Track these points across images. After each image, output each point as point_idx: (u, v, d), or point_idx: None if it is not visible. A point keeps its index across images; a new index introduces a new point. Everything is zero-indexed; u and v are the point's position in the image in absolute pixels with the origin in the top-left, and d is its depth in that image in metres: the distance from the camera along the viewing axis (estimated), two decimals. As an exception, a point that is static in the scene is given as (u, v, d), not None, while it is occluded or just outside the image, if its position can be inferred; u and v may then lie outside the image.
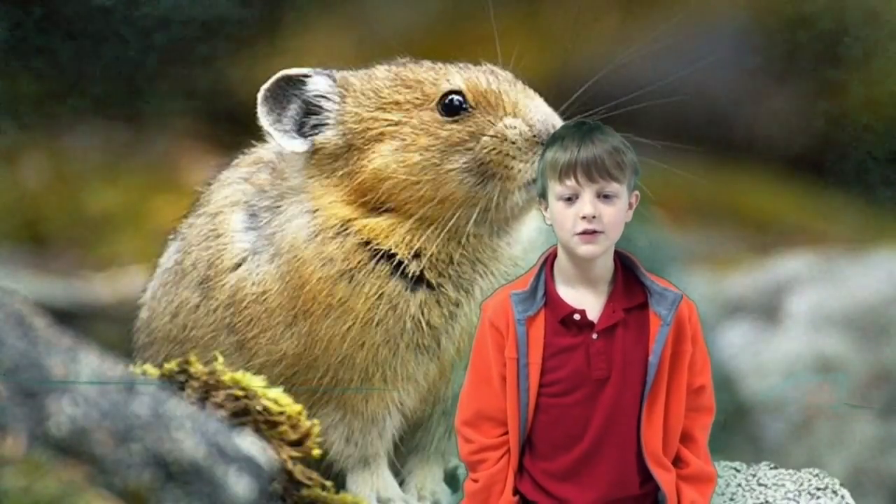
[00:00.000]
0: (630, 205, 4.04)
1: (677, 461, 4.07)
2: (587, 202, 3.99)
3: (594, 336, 4.02)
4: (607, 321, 4.02)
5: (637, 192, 4.06)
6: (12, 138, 5.94)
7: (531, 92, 4.65)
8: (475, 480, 4.06)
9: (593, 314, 4.03)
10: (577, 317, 4.02)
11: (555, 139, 4.07)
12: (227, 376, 4.39)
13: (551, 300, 4.04)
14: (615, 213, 4.00)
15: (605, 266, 4.05)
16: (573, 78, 4.71)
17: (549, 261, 4.08)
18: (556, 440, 4.02)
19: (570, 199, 4.00)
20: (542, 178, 4.06)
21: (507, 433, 4.05)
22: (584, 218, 3.98)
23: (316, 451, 4.38)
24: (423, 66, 4.70)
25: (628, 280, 4.06)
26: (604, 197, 4.00)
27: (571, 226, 4.00)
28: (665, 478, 4.02)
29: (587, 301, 4.04)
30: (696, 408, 4.08)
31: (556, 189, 4.01)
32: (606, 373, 4.00)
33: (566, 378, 4.01)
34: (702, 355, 4.09)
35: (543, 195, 4.07)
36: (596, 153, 3.99)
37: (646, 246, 4.40)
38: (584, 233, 3.98)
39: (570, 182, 4.00)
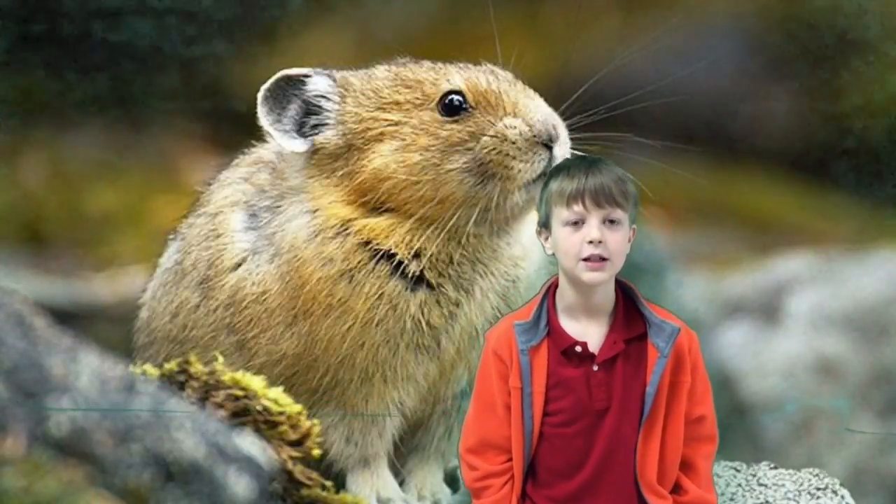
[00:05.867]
0: (629, 238, 4.07)
1: (677, 488, 4.09)
2: (594, 227, 4.02)
3: (595, 367, 4.04)
4: (608, 353, 4.05)
5: (635, 227, 4.08)
6: (12, 138, 5.94)
7: (531, 92, 4.65)
8: None
9: (594, 345, 4.06)
10: (578, 349, 4.04)
11: (559, 170, 4.11)
12: (227, 376, 4.39)
13: (553, 331, 4.07)
14: (620, 240, 4.03)
15: (607, 295, 4.07)
16: (573, 78, 4.72)
17: (551, 290, 4.10)
18: (558, 468, 4.06)
19: (577, 224, 4.03)
20: (546, 207, 4.08)
21: (510, 460, 4.08)
22: (590, 242, 4.01)
23: (316, 451, 4.38)
24: (423, 66, 4.70)
25: (628, 310, 4.09)
26: (609, 222, 4.03)
27: (577, 251, 4.02)
28: None
29: (589, 332, 4.07)
30: (696, 437, 4.10)
31: (562, 215, 4.04)
32: (607, 403, 4.03)
33: (568, 408, 4.04)
34: (702, 385, 4.11)
35: (546, 224, 4.08)
36: (603, 181, 4.03)
37: (648, 249, 4.40)
38: (591, 259, 4.01)
39: (578, 207, 4.03)
